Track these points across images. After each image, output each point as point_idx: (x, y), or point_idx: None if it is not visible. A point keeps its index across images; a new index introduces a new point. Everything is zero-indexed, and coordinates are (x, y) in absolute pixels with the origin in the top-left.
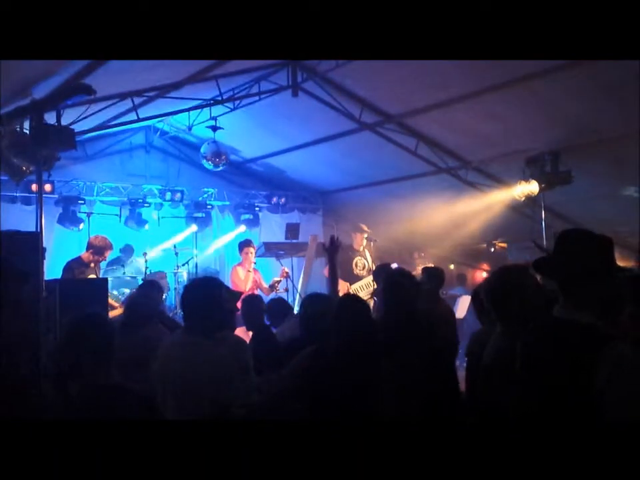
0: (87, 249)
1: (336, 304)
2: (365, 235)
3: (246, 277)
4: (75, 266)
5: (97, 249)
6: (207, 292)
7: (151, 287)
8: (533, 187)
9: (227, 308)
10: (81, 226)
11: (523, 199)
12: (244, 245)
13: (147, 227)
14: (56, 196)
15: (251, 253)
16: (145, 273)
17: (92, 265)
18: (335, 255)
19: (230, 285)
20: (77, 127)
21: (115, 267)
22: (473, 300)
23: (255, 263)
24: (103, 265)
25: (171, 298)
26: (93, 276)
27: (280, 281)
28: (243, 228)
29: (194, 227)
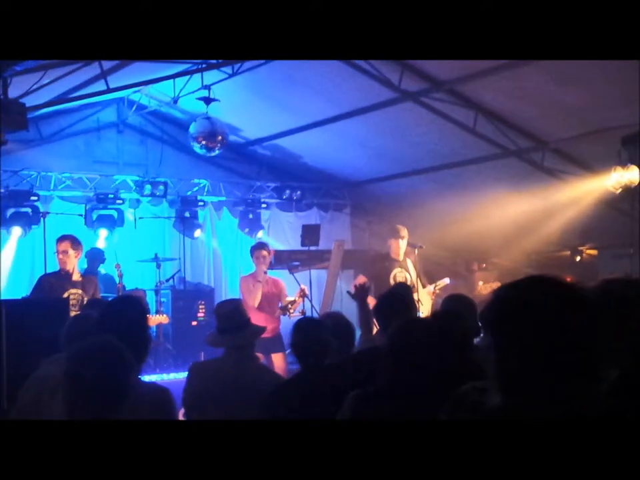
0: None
1: (388, 335)
2: (403, 240)
3: (254, 288)
4: (52, 280)
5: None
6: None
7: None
8: (632, 175)
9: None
10: (15, 232)
11: (619, 190)
12: (254, 248)
13: (100, 240)
14: (1, 190)
15: (263, 257)
16: (119, 290)
17: (67, 272)
18: (365, 300)
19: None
20: (29, 101)
21: None
22: None
23: (265, 272)
24: None
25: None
26: (75, 292)
27: (295, 301)
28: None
29: (198, 232)
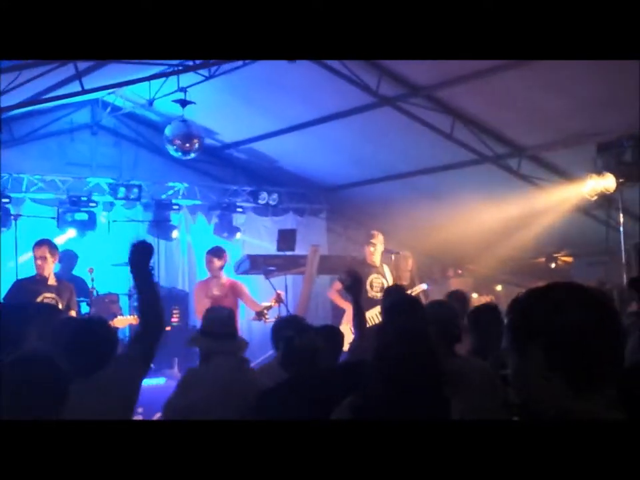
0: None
1: (381, 337)
2: (376, 246)
3: (204, 298)
4: (27, 285)
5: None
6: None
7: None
8: (607, 182)
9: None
10: None
11: (595, 197)
12: (206, 253)
13: (61, 237)
14: None
15: (214, 262)
16: (91, 295)
17: (43, 278)
18: (360, 293)
19: None
20: (1, 102)
21: None
22: None
23: (213, 279)
24: None
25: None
26: (49, 296)
27: (271, 307)
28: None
29: (175, 233)
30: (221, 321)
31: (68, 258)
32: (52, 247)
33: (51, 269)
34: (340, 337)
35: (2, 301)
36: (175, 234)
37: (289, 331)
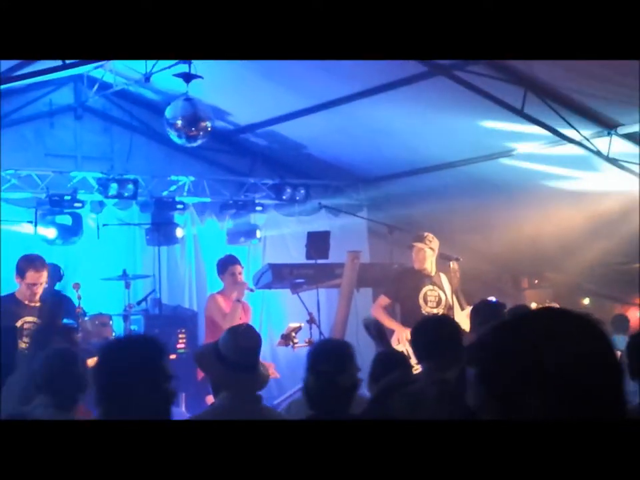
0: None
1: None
2: (430, 251)
3: (233, 308)
4: (5, 305)
5: (18, 270)
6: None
7: None
8: None
9: None
10: None
11: None
12: (227, 262)
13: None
14: None
15: (239, 272)
16: (78, 316)
17: (30, 302)
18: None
19: (206, 323)
20: None
21: None
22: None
23: (252, 290)
24: None
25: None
26: (31, 320)
27: (300, 328)
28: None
29: (180, 232)
30: (243, 349)
31: (49, 272)
32: (45, 266)
33: (40, 291)
34: (406, 362)
35: None
36: (179, 232)
37: (329, 365)
